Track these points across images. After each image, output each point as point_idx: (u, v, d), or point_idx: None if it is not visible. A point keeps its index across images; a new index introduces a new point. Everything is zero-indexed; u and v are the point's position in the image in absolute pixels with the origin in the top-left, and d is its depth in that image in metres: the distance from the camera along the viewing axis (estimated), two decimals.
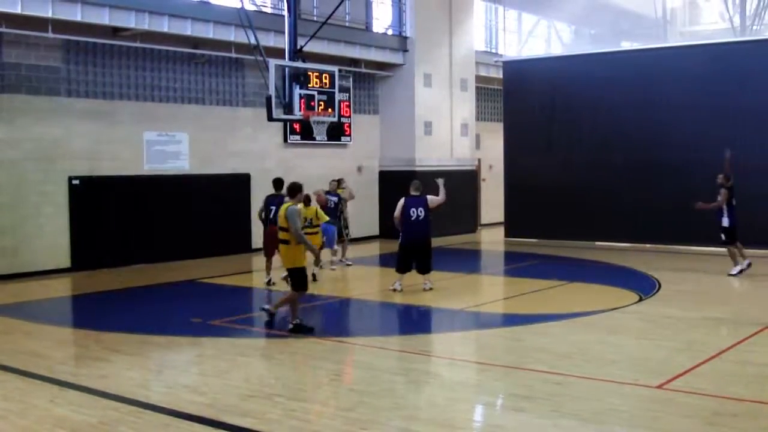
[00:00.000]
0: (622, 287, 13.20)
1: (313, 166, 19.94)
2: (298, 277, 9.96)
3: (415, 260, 12.94)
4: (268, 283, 13.72)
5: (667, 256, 17.31)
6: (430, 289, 12.80)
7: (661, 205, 19.00)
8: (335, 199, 16.12)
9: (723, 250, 14.75)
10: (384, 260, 17.87)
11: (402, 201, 12.86)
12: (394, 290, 12.73)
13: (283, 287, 12.78)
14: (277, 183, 13.65)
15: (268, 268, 13.81)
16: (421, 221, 12.71)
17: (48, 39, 15.16)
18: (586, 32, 34.32)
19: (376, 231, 21.82)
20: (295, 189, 10.04)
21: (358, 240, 19.84)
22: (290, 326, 9.85)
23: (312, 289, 13.18)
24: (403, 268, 12.95)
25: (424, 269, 12.95)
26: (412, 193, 12.91)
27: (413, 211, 12.66)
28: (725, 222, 14.33)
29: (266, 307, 10.35)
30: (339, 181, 16.74)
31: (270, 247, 13.41)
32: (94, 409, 6.91)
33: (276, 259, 12.30)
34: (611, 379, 7.64)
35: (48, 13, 14.67)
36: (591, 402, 6.92)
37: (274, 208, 12.90)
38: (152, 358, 9.04)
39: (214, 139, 18.27)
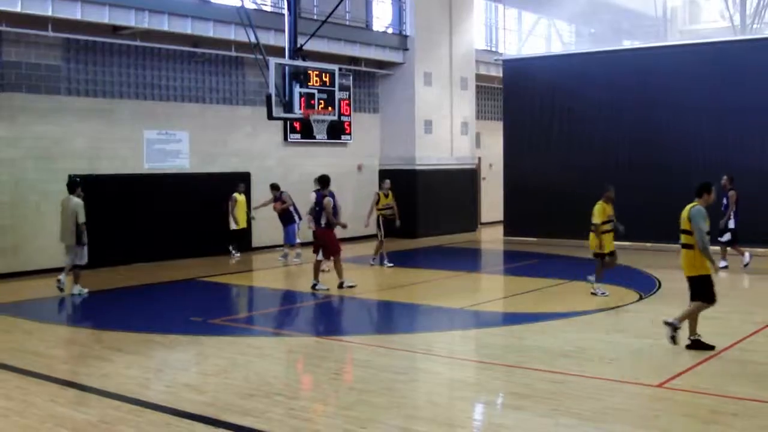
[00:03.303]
0: (622, 286, 13.20)
1: (313, 165, 19.88)
2: (702, 287, 8.70)
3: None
4: (313, 287, 13.19)
5: (667, 256, 17.28)
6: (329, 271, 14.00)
7: (660, 204, 18.94)
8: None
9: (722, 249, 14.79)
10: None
11: (331, 200, 13.24)
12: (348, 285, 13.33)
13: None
14: (321, 180, 13.52)
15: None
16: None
17: (48, 37, 15.16)
18: (586, 31, 34.31)
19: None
20: (704, 188, 8.90)
21: (357, 239, 19.83)
22: (688, 342, 8.74)
23: (309, 288, 13.22)
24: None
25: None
26: (330, 189, 13.73)
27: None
28: (732, 224, 14.57)
29: (670, 321, 8.75)
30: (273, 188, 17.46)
31: (315, 246, 13.43)
32: (95, 408, 6.92)
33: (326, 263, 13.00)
34: (611, 377, 7.65)
35: (48, 12, 14.67)
36: (591, 401, 6.93)
37: (318, 208, 13.21)
38: (153, 356, 9.04)
39: (214, 137, 18.27)
